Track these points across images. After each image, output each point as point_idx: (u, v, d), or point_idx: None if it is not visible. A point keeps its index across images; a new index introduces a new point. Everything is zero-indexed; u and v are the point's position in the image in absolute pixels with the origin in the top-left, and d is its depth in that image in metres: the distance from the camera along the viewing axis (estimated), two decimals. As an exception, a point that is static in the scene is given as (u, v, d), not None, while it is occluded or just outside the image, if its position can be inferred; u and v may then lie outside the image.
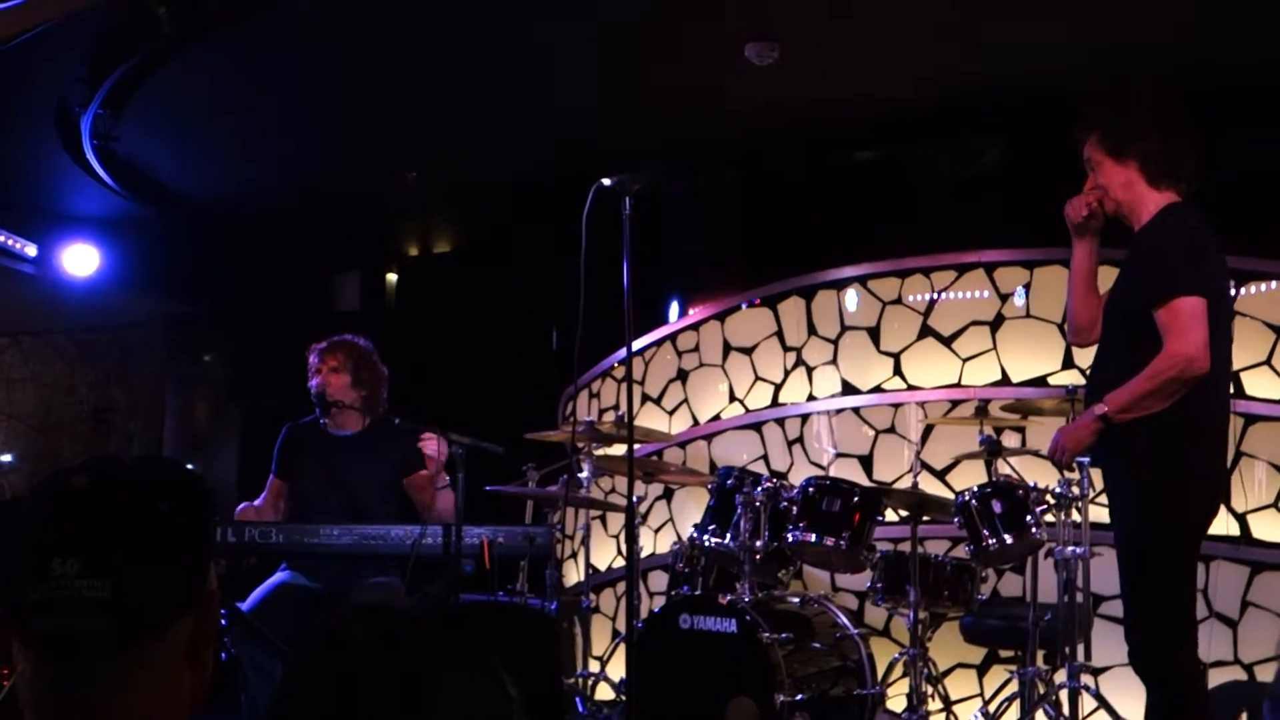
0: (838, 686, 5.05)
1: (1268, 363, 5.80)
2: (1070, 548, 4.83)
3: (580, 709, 5.62)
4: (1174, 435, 3.72)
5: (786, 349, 6.97)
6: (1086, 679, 4.87)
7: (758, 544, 5.20)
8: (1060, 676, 4.86)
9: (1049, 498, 4.91)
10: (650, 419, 7.30)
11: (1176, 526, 3.74)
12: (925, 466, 6.17)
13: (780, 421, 6.87)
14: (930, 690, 5.21)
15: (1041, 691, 4.89)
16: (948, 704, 5.37)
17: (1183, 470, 3.74)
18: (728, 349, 7.18)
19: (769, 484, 5.34)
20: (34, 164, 7.26)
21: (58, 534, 1.38)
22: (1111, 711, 4.76)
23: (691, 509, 6.86)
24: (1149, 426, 3.72)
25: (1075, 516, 4.92)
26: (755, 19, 5.40)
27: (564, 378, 7.26)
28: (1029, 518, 4.93)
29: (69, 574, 1.36)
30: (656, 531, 7.17)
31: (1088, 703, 4.93)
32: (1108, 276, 4.03)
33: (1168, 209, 3.83)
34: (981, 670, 6.07)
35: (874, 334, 6.73)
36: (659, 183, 4.07)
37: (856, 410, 6.66)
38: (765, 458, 6.86)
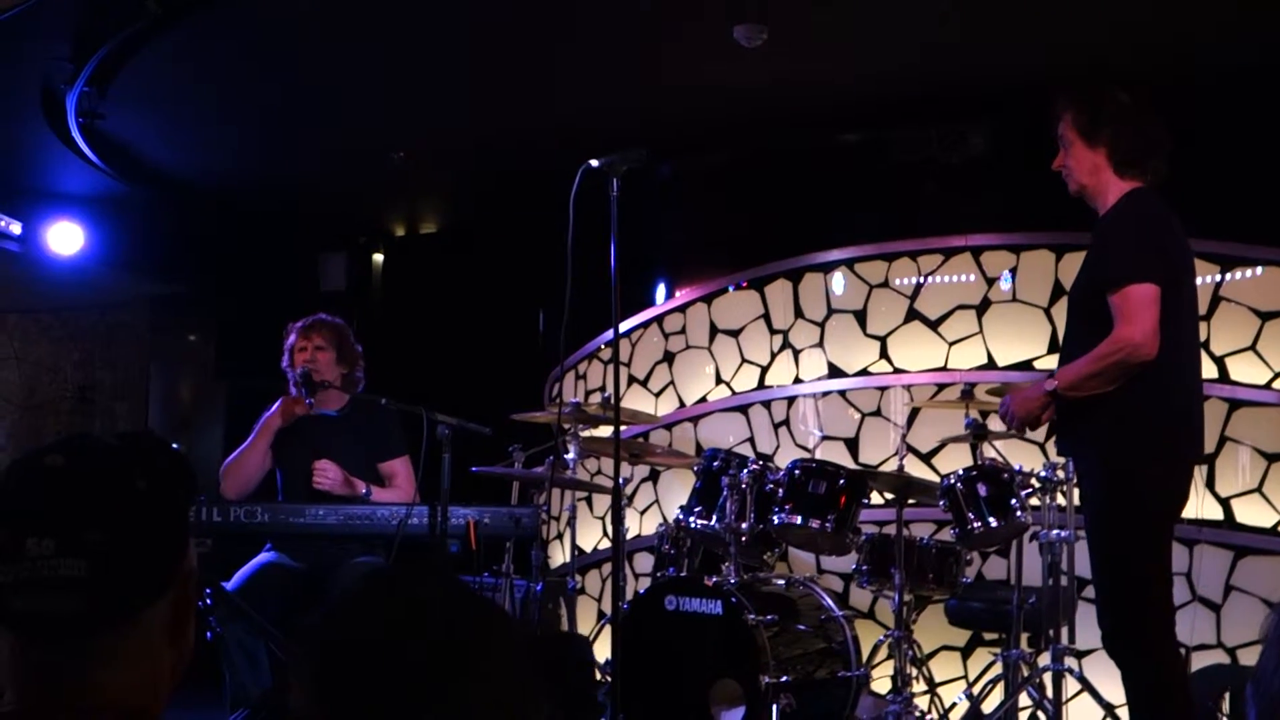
0: (822, 668, 5.06)
1: (1253, 348, 5.80)
2: (1055, 531, 4.85)
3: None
4: (1139, 420, 3.76)
5: (773, 331, 6.97)
6: (1070, 661, 4.89)
7: (743, 526, 5.20)
8: (1044, 659, 4.88)
9: (1034, 481, 4.93)
10: (636, 401, 7.29)
11: (1142, 511, 3.77)
12: (911, 449, 6.16)
13: (766, 404, 6.87)
14: (915, 672, 5.22)
15: (1025, 674, 4.92)
16: (932, 686, 5.39)
17: (1148, 455, 3.78)
18: (714, 331, 7.17)
19: (755, 466, 5.34)
20: (19, 141, 7.21)
21: (32, 513, 1.38)
22: (1095, 694, 4.78)
23: (677, 491, 6.85)
24: (1114, 412, 3.76)
25: (1060, 500, 4.94)
26: (744, 1, 5.38)
27: (550, 359, 7.25)
28: (1014, 501, 4.94)
29: (44, 554, 1.35)
30: (642, 513, 7.17)
31: (1071, 685, 4.95)
32: (1077, 262, 4.07)
33: (1129, 195, 3.89)
34: (966, 653, 6.09)
35: (860, 317, 6.72)
36: (646, 164, 4.06)
37: (842, 393, 6.66)
38: (751, 440, 6.86)
